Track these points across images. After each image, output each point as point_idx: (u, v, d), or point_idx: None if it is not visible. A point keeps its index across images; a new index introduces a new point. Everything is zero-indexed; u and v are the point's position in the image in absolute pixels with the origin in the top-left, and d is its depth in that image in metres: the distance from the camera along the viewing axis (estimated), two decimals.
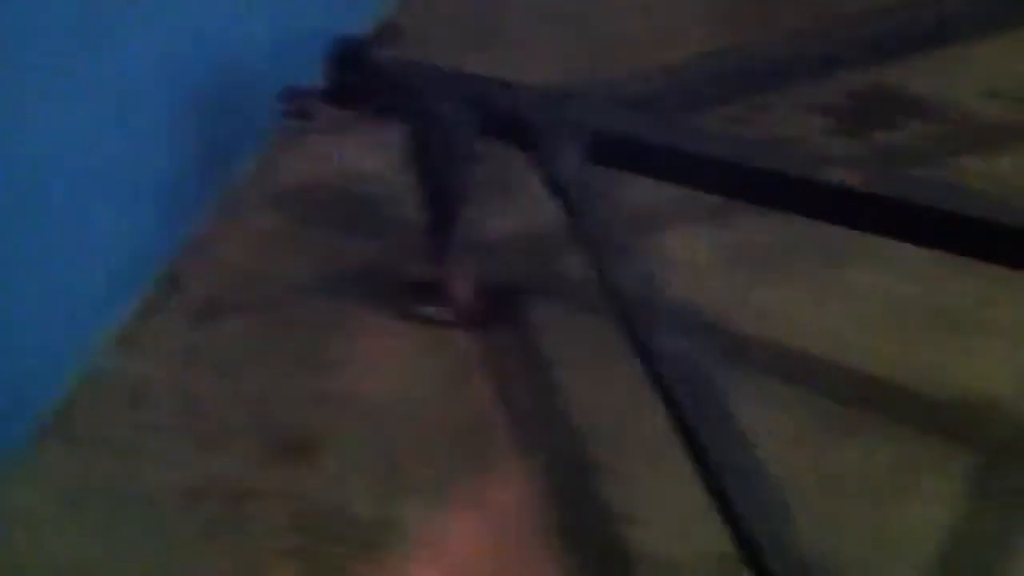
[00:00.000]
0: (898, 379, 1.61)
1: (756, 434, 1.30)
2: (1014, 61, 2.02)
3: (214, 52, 1.81)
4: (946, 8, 1.78)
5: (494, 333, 1.74)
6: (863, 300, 1.72)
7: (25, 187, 1.52)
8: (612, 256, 1.49)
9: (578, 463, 1.57)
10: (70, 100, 1.55)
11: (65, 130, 1.55)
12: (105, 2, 1.57)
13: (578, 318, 1.73)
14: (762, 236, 1.79)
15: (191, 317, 1.78)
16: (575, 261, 1.66)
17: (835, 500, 1.48)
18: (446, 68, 1.70)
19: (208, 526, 1.52)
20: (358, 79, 1.70)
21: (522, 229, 1.87)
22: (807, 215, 1.56)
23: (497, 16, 2.20)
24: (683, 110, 1.72)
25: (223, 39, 1.83)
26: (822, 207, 1.54)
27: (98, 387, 1.68)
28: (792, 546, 1.19)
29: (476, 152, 1.66)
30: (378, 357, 1.72)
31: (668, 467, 1.41)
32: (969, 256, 1.49)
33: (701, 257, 1.80)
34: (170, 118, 1.78)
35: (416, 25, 1.85)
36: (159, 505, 1.54)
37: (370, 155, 1.96)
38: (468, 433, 1.61)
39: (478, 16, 2.20)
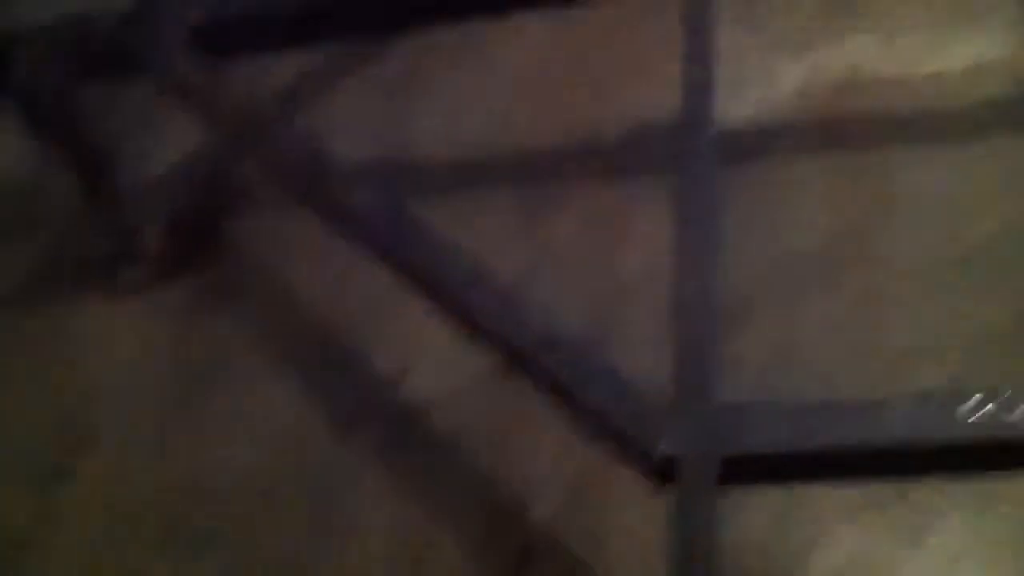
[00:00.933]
0: (566, 141, 1.69)
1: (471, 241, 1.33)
2: None
3: None
4: None
5: (203, 266, 1.70)
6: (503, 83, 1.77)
7: None
8: (268, 136, 1.45)
9: (329, 348, 1.58)
10: None
11: None
12: None
13: (277, 215, 1.72)
14: (385, 66, 1.83)
15: None
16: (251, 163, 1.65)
17: (565, 269, 1.55)
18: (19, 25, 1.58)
19: None
20: None
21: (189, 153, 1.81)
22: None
23: None
24: None
25: None
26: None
27: None
28: (541, 325, 1.23)
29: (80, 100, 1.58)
30: (101, 343, 1.67)
31: (415, 317, 1.43)
32: None
33: (348, 100, 1.81)
34: None
35: None
36: None
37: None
38: (214, 369, 1.59)
39: None
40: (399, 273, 1.34)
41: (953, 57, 1.58)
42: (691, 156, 1.31)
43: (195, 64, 1.50)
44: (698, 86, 1.35)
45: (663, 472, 1.07)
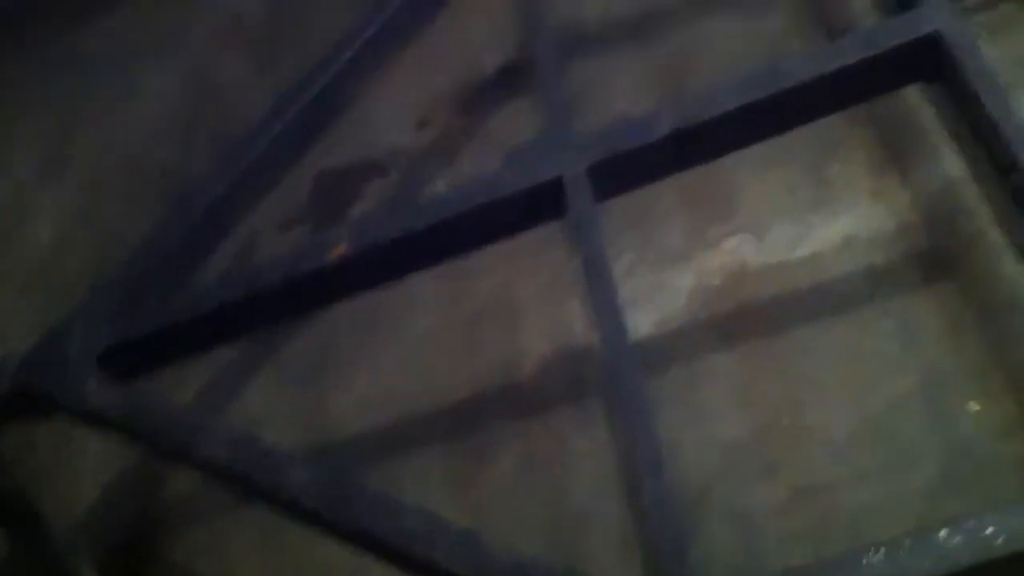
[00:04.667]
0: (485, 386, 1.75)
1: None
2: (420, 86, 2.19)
3: None
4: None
5: None
6: (412, 344, 1.83)
7: None
8: (195, 441, 1.45)
9: None
10: None
11: None
12: None
13: (212, 524, 1.70)
14: (295, 351, 1.88)
15: None
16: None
17: (513, 510, 1.57)
18: None
19: None
20: None
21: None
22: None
23: None
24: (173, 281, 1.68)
25: None
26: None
27: None
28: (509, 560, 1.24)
29: None
30: None
31: None
32: None
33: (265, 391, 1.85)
34: None
35: None
36: None
37: None
38: None
39: None
40: (353, 542, 1.34)
41: (822, 239, 1.70)
42: (616, 373, 1.36)
43: (107, 390, 1.52)
44: (605, 307, 1.42)
45: None
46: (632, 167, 1.52)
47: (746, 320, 1.66)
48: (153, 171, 2.24)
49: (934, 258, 1.61)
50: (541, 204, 1.50)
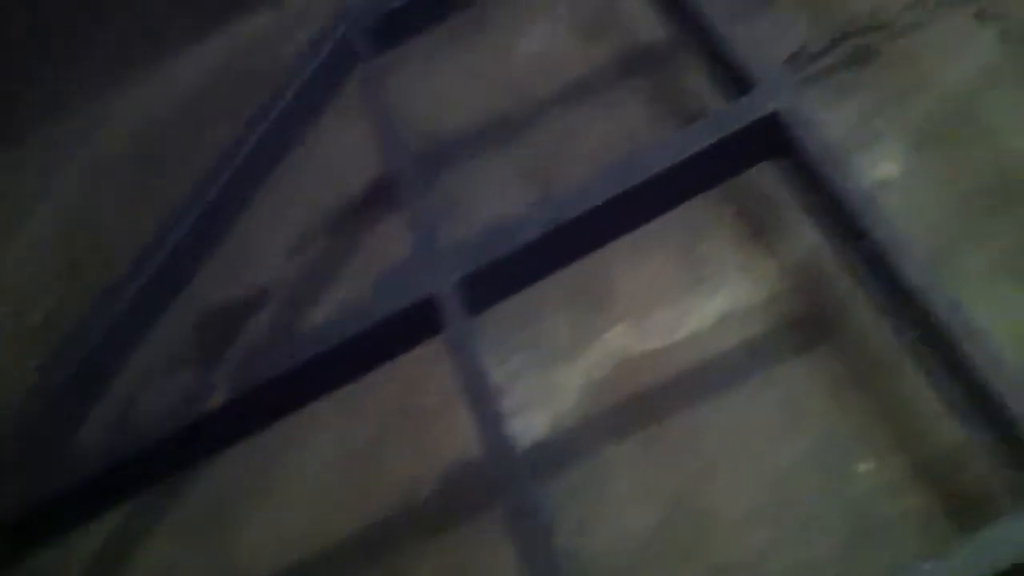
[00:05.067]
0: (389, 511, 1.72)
1: None
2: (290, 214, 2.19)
3: None
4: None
5: None
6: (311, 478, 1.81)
7: None
8: None
9: None
10: None
11: None
12: None
13: None
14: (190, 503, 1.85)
15: None
16: None
17: None
18: None
19: None
20: None
21: None
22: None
23: None
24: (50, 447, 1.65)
25: None
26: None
27: None
28: None
29: None
30: None
31: None
32: None
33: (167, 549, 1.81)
34: None
35: None
36: None
37: None
38: None
39: None
40: None
41: (700, 319, 1.73)
42: (505, 486, 1.36)
43: None
44: (488, 419, 1.42)
45: None
46: (503, 275, 1.54)
47: (637, 409, 1.68)
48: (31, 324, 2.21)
49: (807, 324, 1.64)
50: (416, 325, 1.50)
